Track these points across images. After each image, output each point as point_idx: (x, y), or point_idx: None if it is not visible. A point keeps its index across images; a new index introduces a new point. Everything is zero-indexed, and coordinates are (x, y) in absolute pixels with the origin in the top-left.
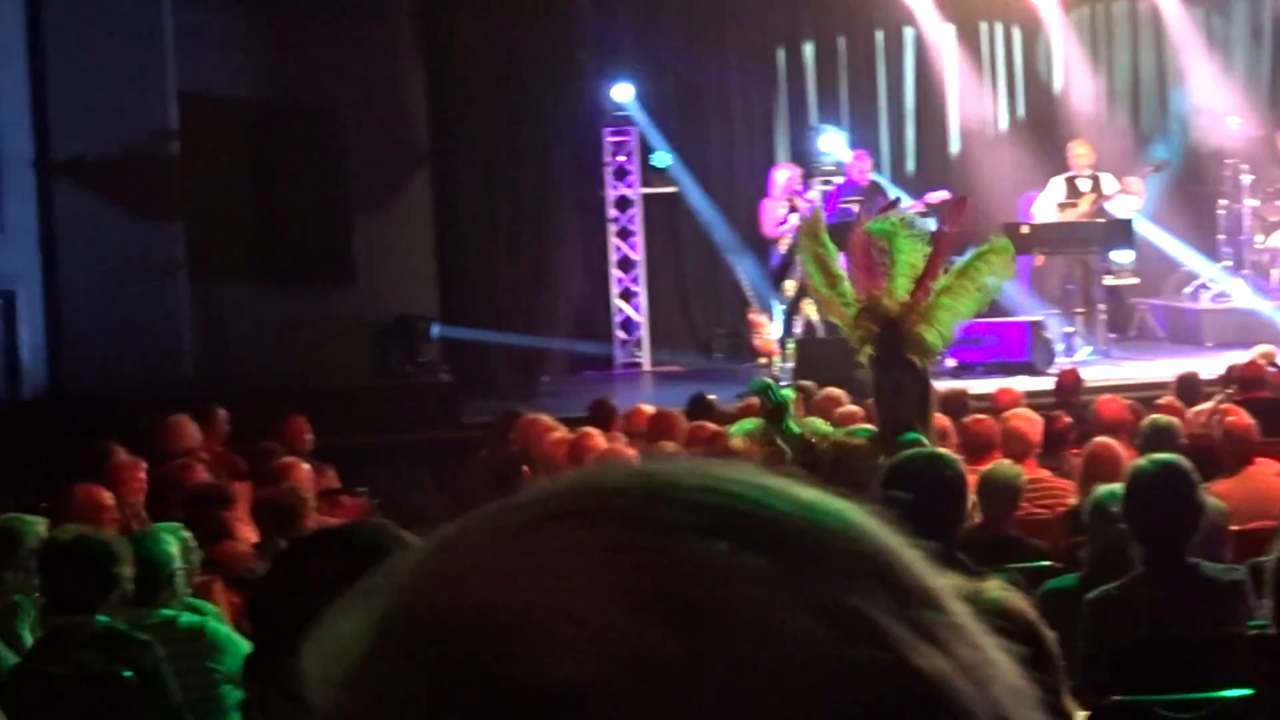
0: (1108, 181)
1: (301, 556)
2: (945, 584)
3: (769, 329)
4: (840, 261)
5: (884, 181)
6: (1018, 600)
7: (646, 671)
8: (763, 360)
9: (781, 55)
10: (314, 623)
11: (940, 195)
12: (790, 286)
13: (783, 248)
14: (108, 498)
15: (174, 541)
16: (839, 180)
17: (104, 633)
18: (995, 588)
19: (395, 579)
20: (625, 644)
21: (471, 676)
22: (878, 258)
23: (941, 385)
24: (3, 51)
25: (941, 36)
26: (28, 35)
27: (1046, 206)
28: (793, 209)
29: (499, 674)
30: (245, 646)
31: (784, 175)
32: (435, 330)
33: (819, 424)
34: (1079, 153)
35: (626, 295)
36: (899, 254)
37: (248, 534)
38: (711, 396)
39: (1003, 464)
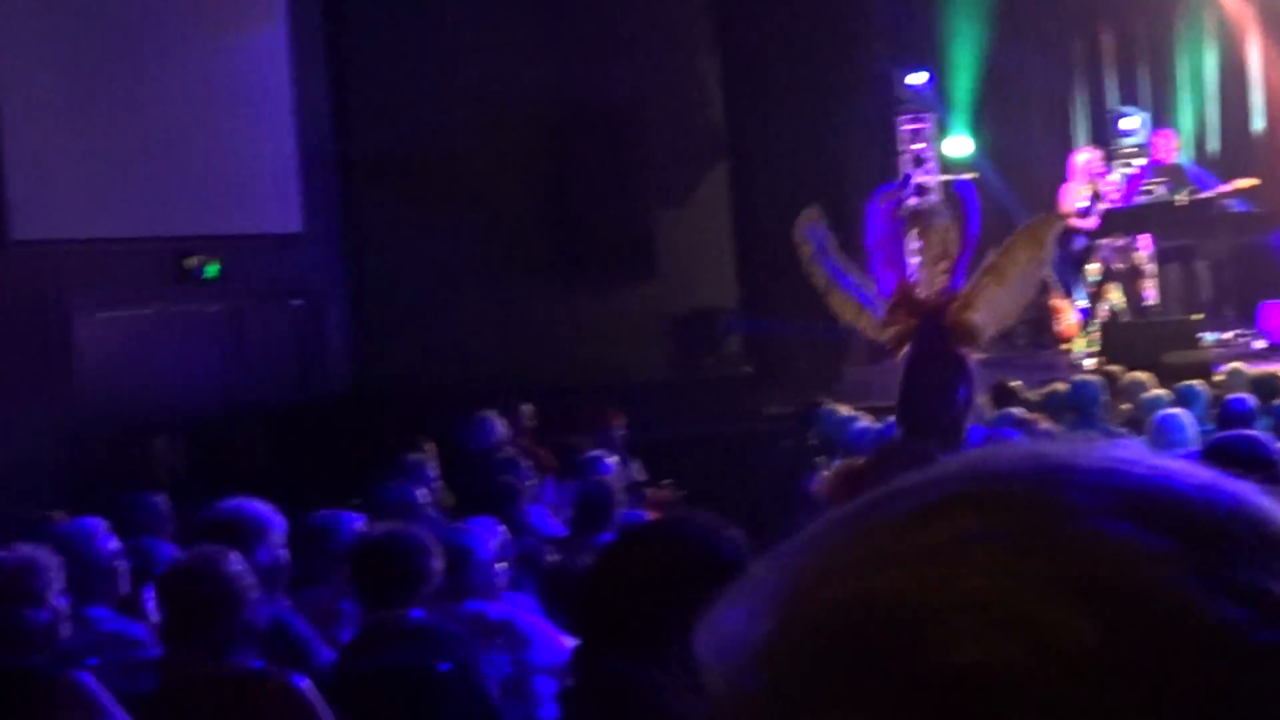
0: None
1: (629, 551)
2: None
3: (1070, 314)
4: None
5: (1187, 163)
6: None
7: (1062, 657)
8: (1064, 346)
9: (1078, 38)
10: (647, 616)
11: (1248, 181)
12: (1092, 270)
13: (1083, 229)
14: (419, 494)
15: (483, 535)
16: (1141, 162)
17: (418, 627)
18: None
19: (787, 568)
20: (1039, 629)
21: (883, 662)
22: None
23: (1254, 367)
24: (305, 58)
25: (1243, 14)
26: (328, 43)
27: None
28: (1094, 193)
29: (912, 660)
30: (557, 638)
31: (1084, 158)
32: (737, 323)
33: None
34: None
35: None
36: (921, 239)
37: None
38: (1014, 383)
39: None
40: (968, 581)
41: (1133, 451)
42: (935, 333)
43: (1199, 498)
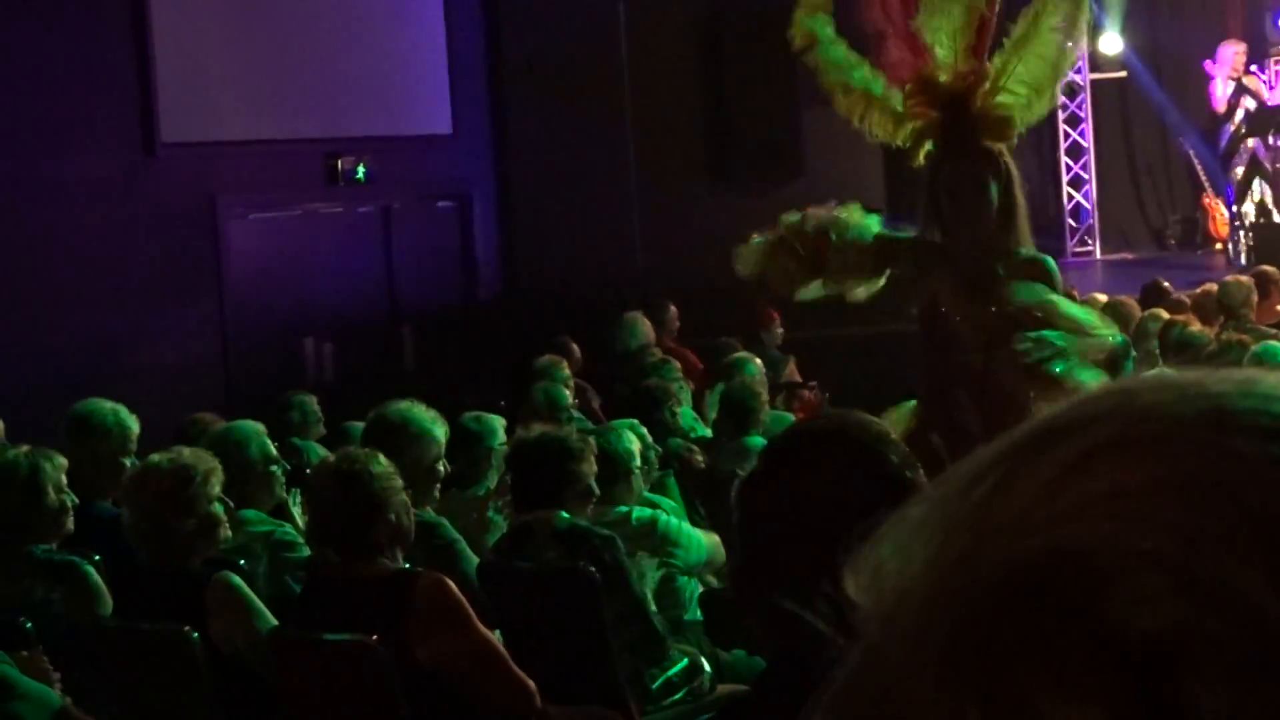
0: None
1: (791, 455)
2: None
3: (1222, 213)
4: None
5: None
6: None
7: (1244, 620)
8: (1219, 246)
9: None
10: (809, 525)
11: None
12: (1239, 171)
13: (1232, 127)
14: (566, 395)
15: (633, 439)
16: None
17: (567, 528)
18: None
19: (948, 513)
20: (1218, 590)
21: (1066, 624)
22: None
23: None
24: None
25: None
26: None
27: None
28: (1241, 88)
29: (1096, 623)
30: (699, 539)
31: (1229, 51)
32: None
33: None
34: None
35: (1076, 183)
36: (930, 18)
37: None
38: (1166, 284)
39: None
40: (1147, 538)
41: None
42: (962, 125)
43: None
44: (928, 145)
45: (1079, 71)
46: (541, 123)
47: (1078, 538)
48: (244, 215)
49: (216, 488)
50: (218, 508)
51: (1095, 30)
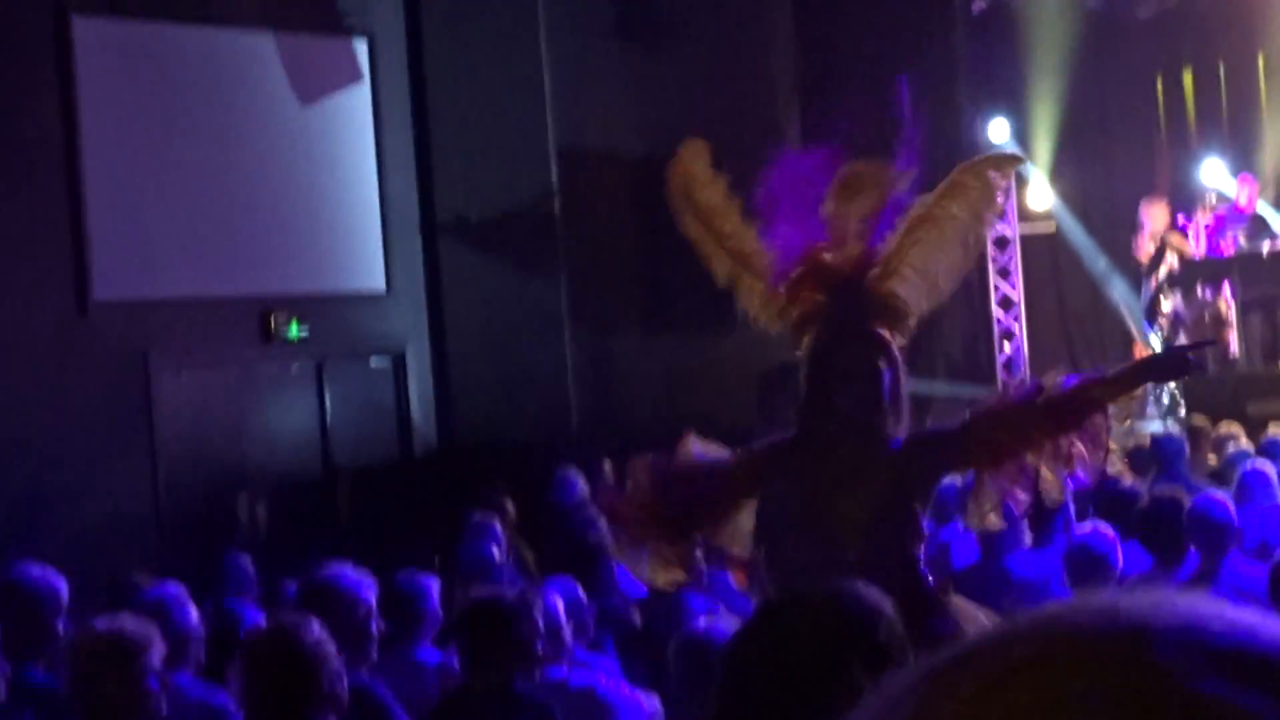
0: None
1: (778, 624)
2: None
3: None
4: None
5: (1271, 211)
6: None
7: None
8: (1151, 396)
9: (1160, 79)
10: (791, 696)
11: None
12: (1164, 322)
13: (1153, 284)
14: (496, 554)
15: (560, 597)
16: (1221, 210)
17: (503, 693)
18: None
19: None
20: None
21: None
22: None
23: None
24: (389, 117)
25: None
26: (412, 100)
27: None
28: (1163, 244)
29: None
30: (640, 706)
31: (1154, 209)
32: None
33: None
34: None
35: (1008, 335)
36: (841, 204)
37: None
38: None
39: None
40: None
41: (1205, 604)
42: (854, 309)
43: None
44: (810, 332)
45: (1008, 224)
46: (476, 278)
47: None
48: (177, 372)
49: (156, 658)
50: (161, 680)
51: (1022, 182)
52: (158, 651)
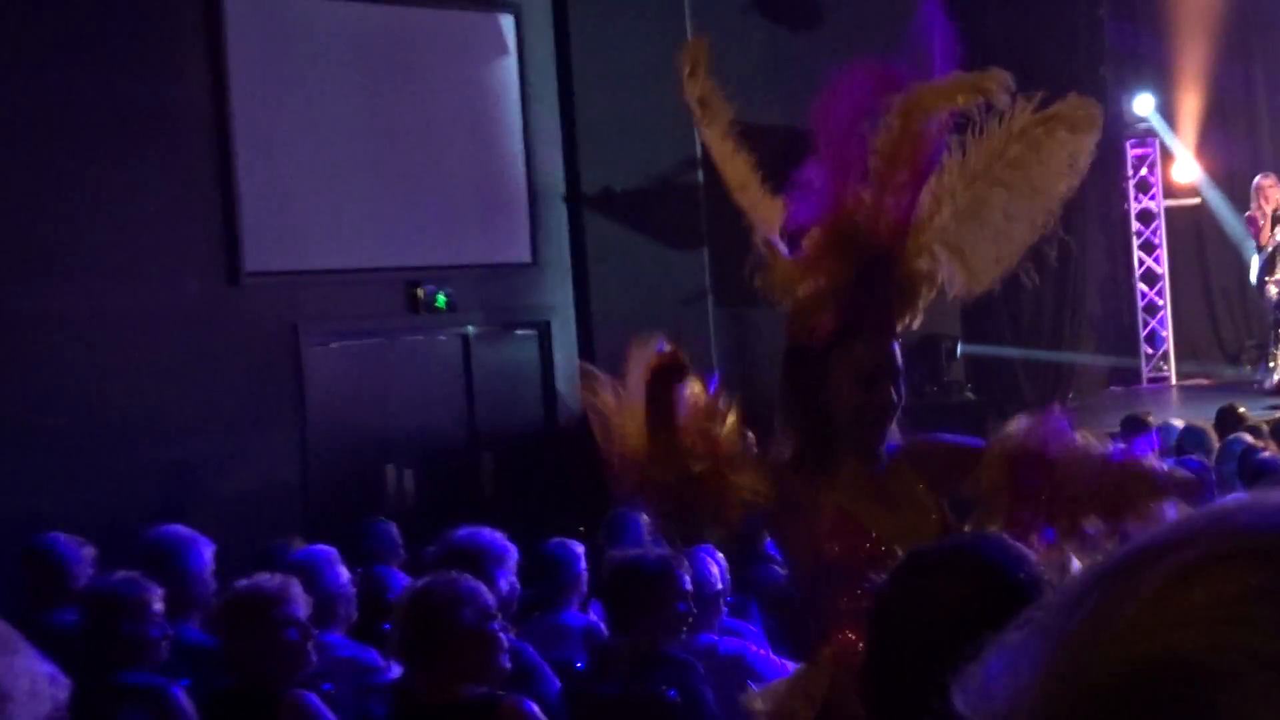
0: None
1: (924, 575)
2: None
3: None
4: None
5: None
6: None
7: None
8: None
9: None
10: (936, 648)
11: None
12: (1273, 291)
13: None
14: (641, 520)
15: (713, 565)
16: None
17: (650, 654)
18: None
19: (1054, 628)
20: None
21: None
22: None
23: None
24: (535, 90)
25: None
26: (558, 74)
27: None
28: (1273, 216)
29: None
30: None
31: (1266, 183)
32: (960, 349)
33: None
34: None
35: (1151, 309)
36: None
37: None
38: (1241, 409)
39: None
40: (1255, 641)
41: None
42: (876, 294)
43: None
44: (822, 316)
45: (1153, 198)
46: (621, 250)
47: (1189, 642)
48: (326, 343)
49: (302, 612)
50: (303, 632)
51: (1168, 157)
52: (298, 605)
